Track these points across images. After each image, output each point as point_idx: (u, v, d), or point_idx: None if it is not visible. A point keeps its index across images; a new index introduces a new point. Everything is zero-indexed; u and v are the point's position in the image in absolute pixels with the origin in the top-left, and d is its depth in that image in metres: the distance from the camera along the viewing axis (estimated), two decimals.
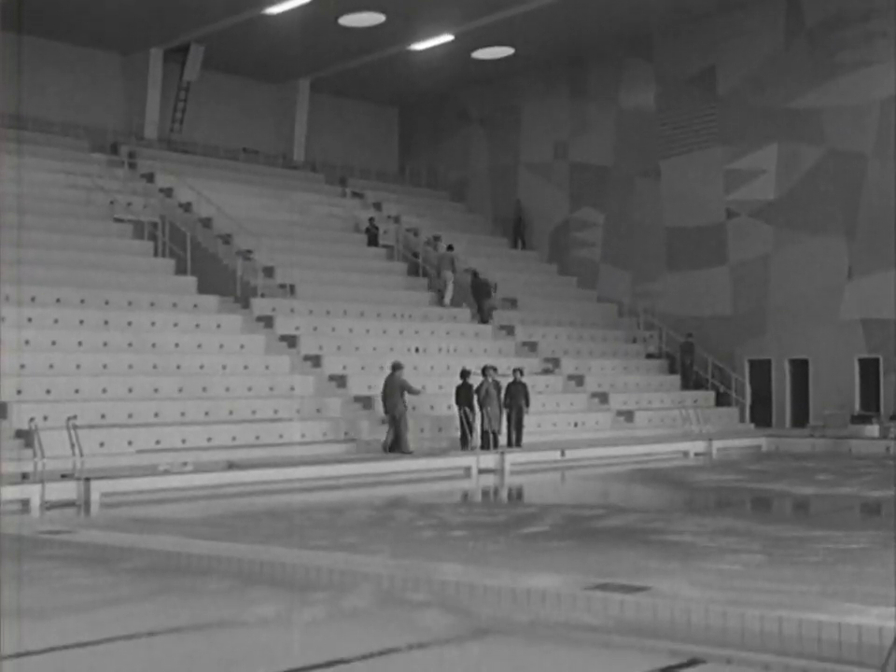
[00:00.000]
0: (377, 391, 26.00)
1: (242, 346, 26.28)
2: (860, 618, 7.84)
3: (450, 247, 34.48)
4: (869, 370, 32.77)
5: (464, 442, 24.89)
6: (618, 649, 8.24)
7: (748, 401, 34.45)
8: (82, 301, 25.31)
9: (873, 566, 11.82)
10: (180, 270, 29.16)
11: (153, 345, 24.71)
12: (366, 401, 25.98)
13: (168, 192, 32.81)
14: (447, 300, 33.19)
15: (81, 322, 24.41)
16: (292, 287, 29.95)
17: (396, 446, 23.90)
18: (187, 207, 32.22)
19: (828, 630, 7.77)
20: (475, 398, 25.18)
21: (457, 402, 25.17)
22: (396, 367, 24.50)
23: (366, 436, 24.76)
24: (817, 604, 8.65)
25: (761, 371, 34.70)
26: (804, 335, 33.75)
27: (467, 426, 24.84)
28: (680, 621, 8.40)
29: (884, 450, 28.23)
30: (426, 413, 25.92)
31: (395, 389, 24.18)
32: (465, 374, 25.40)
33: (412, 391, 24.43)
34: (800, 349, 33.92)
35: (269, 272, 30.26)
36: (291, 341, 27.48)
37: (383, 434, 24.80)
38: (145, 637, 8.82)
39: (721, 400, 34.53)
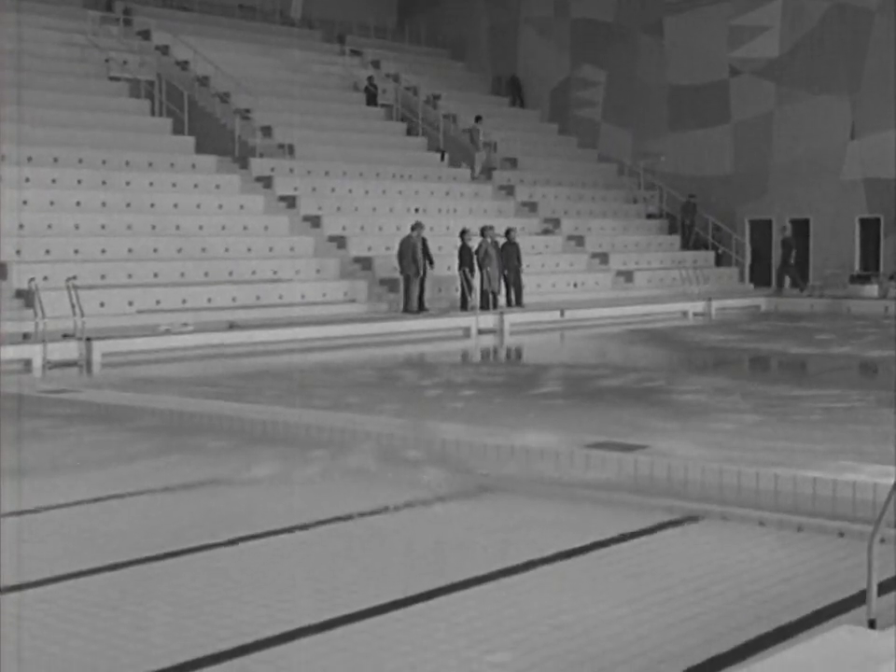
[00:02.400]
0: (377, 252, 26.04)
1: (241, 207, 26.16)
2: (854, 475, 7.92)
3: (477, 118, 33.99)
4: (869, 230, 32.69)
5: (464, 303, 24.93)
6: (615, 506, 8.35)
7: (747, 261, 34.44)
8: (80, 161, 25.10)
9: (869, 424, 11.92)
10: (178, 129, 28.87)
11: (152, 206, 24.59)
12: (365, 262, 25.95)
13: (164, 50, 32.30)
14: (476, 172, 32.99)
15: (79, 182, 24.25)
16: (291, 147, 29.69)
17: (407, 305, 24.08)
18: (183, 65, 31.75)
19: (823, 486, 7.86)
20: (474, 258, 25.17)
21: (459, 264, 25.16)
22: (412, 227, 24.53)
23: (365, 296, 24.81)
24: (812, 461, 8.74)
25: (761, 231, 34.61)
26: (805, 195, 33.57)
27: (466, 287, 24.85)
28: (677, 478, 8.50)
29: (882, 310, 28.28)
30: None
31: (408, 249, 24.21)
32: (464, 235, 25.34)
33: (425, 254, 24.46)
34: (801, 209, 33.77)
35: (267, 131, 29.97)
36: (290, 201, 27.34)
37: (383, 293, 24.92)
38: (148, 494, 8.93)
39: (721, 261, 34.51)
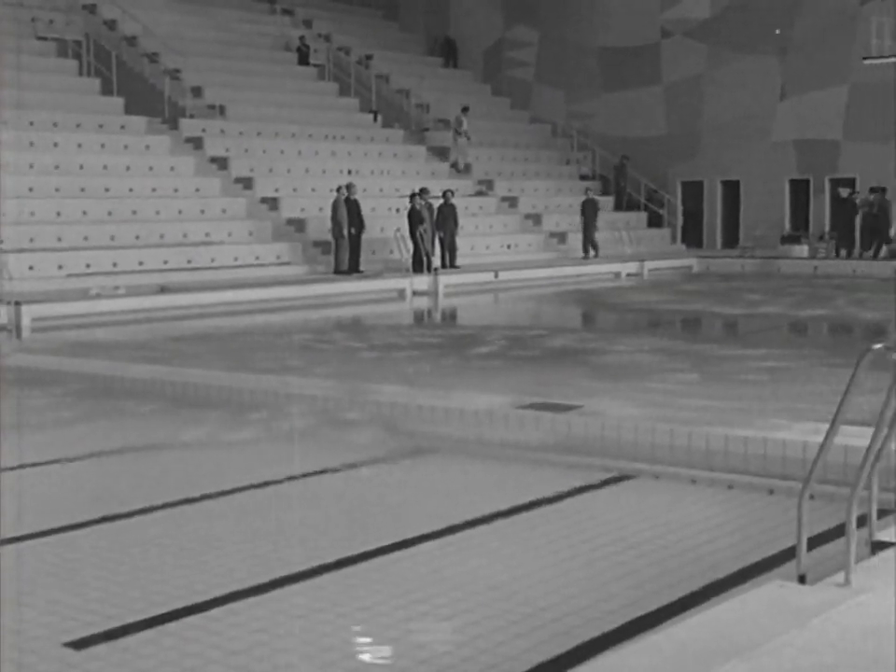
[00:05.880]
0: (310, 214, 25.91)
1: (171, 168, 25.87)
2: (785, 433, 8.02)
3: (464, 109, 33.36)
4: (799, 190, 32.99)
5: (418, 264, 24.73)
6: (549, 466, 8.40)
7: (679, 223, 34.65)
8: (5, 123, 24.66)
9: (800, 383, 12.08)
10: (106, 90, 28.45)
11: (80, 167, 24.25)
12: (298, 224, 25.81)
13: (91, 9, 31.71)
14: (454, 161, 32.50)
15: (5, 144, 23.84)
16: (222, 108, 29.37)
17: (337, 267, 24.09)
18: (111, 25, 31.21)
19: (754, 445, 7.95)
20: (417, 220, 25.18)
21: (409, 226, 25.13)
22: (338, 188, 24.50)
23: (298, 259, 24.70)
24: (744, 420, 8.83)
25: (693, 191, 34.82)
26: (736, 156, 33.77)
27: (413, 248, 24.75)
28: (610, 438, 8.55)
29: (812, 269, 28.62)
30: None
31: (336, 210, 24.17)
32: (413, 198, 25.31)
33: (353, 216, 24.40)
34: (732, 170, 33.99)
35: (197, 91, 29.61)
36: (222, 163, 27.07)
37: (317, 255, 24.86)
38: (82, 459, 8.86)
39: (654, 222, 34.68)
